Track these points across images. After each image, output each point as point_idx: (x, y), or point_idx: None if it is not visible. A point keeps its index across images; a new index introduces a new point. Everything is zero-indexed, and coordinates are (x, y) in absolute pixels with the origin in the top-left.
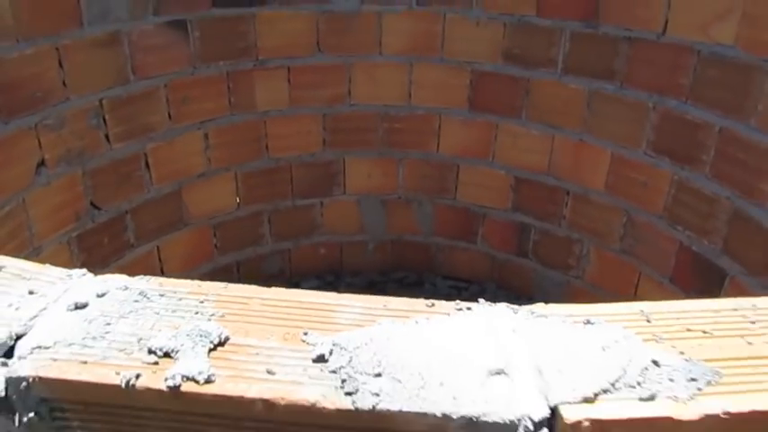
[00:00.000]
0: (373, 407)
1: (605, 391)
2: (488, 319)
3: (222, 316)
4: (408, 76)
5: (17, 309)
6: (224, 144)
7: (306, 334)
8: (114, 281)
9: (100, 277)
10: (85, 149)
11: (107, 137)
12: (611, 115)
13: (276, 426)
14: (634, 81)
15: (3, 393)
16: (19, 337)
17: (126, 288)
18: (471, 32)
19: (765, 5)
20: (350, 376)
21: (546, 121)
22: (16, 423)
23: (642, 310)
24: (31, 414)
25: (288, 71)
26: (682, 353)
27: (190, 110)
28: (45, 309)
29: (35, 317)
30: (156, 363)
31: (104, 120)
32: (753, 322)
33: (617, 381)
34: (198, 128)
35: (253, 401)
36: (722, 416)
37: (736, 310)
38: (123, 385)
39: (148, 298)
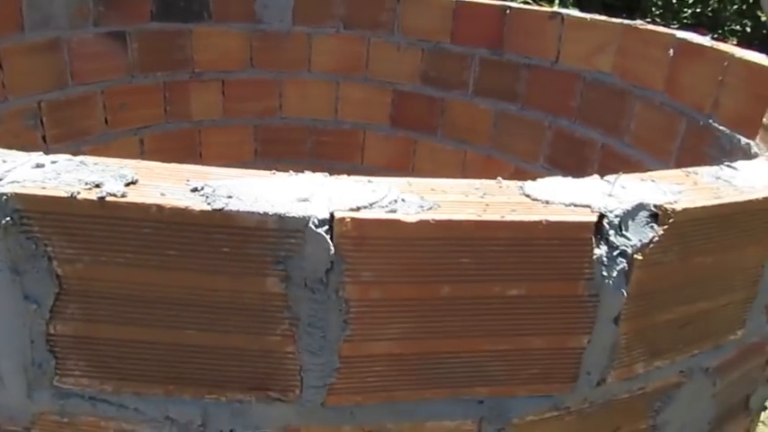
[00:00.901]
0: (222, 208)
1: (364, 207)
2: (310, 178)
3: (136, 172)
4: (335, 92)
5: None
6: (159, 150)
7: (188, 181)
8: (62, 156)
9: (51, 155)
10: (22, 149)
11: (44, 138)
12: (514, 133)
13: (163, 225)
14: (533, 102)
15: None
16: None
17: (70, 159)
18: (393, 55)
19: (634, 40)
20: (211, 195)
21: (459, 138)
22: None
23: (409, 182)
24: (7, 219)
25: (222, 84)
26: (422, 197)
27: (126, 116)
28: (14, 168)
29: (8, 171)
30: (90, 188)
31: (42, 121)
32: (482, 193)
33: (373, 203)
34: (134, 134)
35: (149, 206)
36: (431, 221)
37: (477, 188)
38: (68, 196)
39: (86, 164)
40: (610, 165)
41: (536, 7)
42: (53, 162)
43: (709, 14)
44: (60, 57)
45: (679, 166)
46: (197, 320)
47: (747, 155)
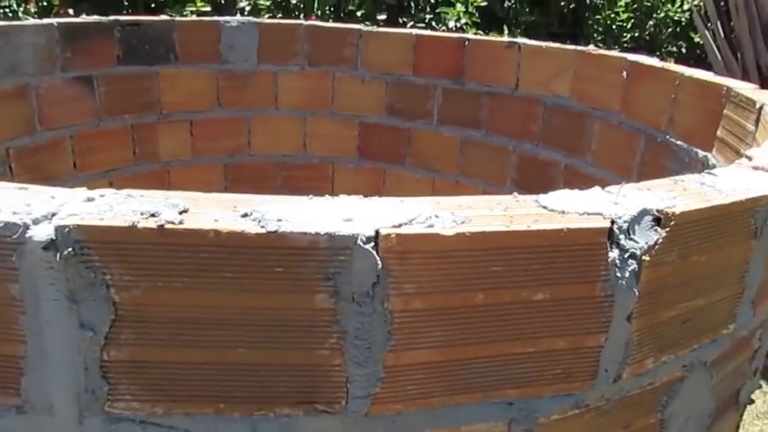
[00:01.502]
0: (276, 230)
1: (405, 224)
2: (347, 200)
3: (186, 202)
4: (303, 128)
5: (47, 202)
6: None
7: (236, 207)
8: (107, 190)
9: (97, 189)
10: None
11: None
12: (480, 158)
13: (220, 248)
14: (496, 128)
15: (53, 237)
16: (54, 214)
17: (117, 193)
18: (358, 90)
19: (590, 66)
20: (262, 219)
21: (426, 166)
22: (58, 258)
23: (438, 201)
24: (69, 249)
25: (190, 124)
26: (453, 213)
27: (95, 159)
28: (66, 202)
29: (61, 205)
30: (147, 218)
31: (10, 168)
32: (503, 207)
33: (412, 220)
34: (103, 176)
35: (207, 231)
36: (466, 233)
37: (499, 203)
38: (129, 225)
39: (133, 197)
40: (575, 183)
41: (493, 38)
42: (101, 195)
43: (647, 38)
44: (28, 103)
45: (641, 180)
46: (249, 339)
47: (706, 166)
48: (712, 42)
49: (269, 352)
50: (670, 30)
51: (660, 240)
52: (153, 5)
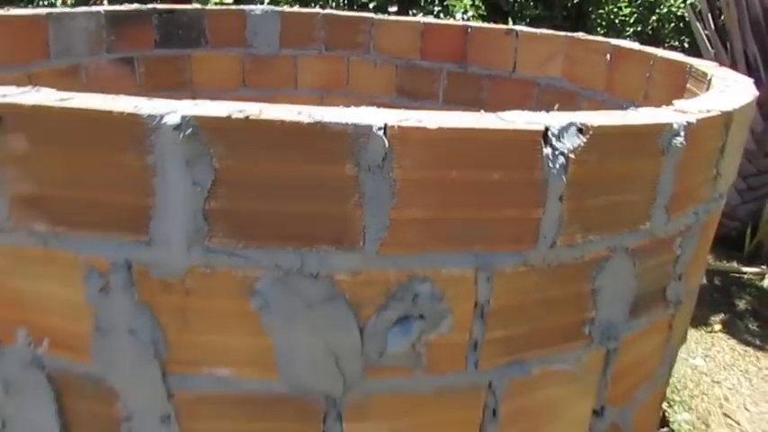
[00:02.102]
0: (320, 120)
1: (404, 120)
2: (367, 108)
3: (260, 108)
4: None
5: (169, 104)
6: None
7: (294, 110)
8: (204, 101)
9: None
10: None
11: None
12: None
13: (284, 132)
14: (496, 108)
15: (179, 122)
16: (177, 110)
17: (214, 101)
18: (370, 72)
19: (577, 49)
20: (311, 115)
21: None
22: (181, 137)
23: (426, 113)
24: (189, 130)
25: None
26: (437, 118)
27: None
28: (178, 107)
29: (179, 106)
30: (238, 112)
31: None
32: (474, 118)
33: (409, 119)
34: None
35: (276, 120)
36: (445, 127)
37: (468, 116)
38: (225, 116)
39: (226, 102)
40: None
41: (493, 25)
42: (203, 102)
43: (650, 32)
44: (79, 80)
45: None
46: (301, 194)
47: None
48: (704, 34)
49: (314, 204)
50: (673, 24)
51: (582, 144)
52: None
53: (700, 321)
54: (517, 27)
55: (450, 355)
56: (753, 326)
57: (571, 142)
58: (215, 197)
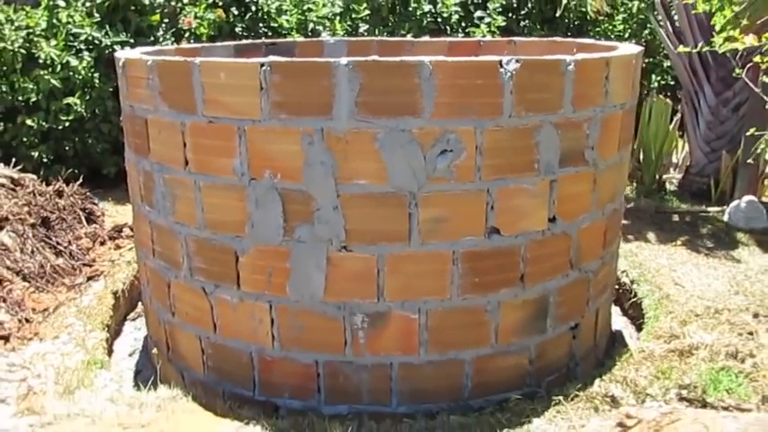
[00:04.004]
0: (401, 60)
1: None
2: None
3: None
4: None
5: None
6: None
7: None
8: None
9: None
10: None
11: None
12: None
13: (387, 67)
14: None
15: (346, 63)
16: None
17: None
18: None
19: (557, 48)
20: (398, 60)
21: None
22: None
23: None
24: (351, 66)
25: None
26: None
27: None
28: None
29: None
30: None
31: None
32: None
33: None
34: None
35: (383, 61)
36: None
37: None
38: (368, 60)
39: None
40: None
41: (498, 38)
42: (353, 58)
43: (644, 45)
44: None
45: None
46: (399, 90)
47: None
48: (665, 36)
49: (404, 96)
50: None
51: (518, 68)
52: (270, 34)
53: (668, 240)
54: (515, 38)
55: (467, 172)
56: (709, 242)
57: (513, 66)
58: (359, 95)
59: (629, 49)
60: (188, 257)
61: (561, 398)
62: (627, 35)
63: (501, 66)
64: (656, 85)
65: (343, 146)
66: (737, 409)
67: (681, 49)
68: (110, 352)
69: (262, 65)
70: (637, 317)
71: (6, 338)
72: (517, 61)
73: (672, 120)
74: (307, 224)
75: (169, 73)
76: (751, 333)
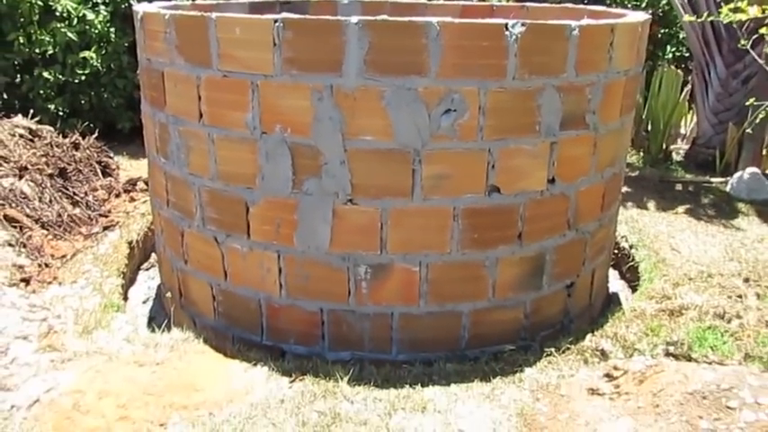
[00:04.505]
0: (411, 21)
1: None
2: None
3: None
4: None
5: None
6: None
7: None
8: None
9: None
10: None
11: None
12: None
13: (397, 27)
14: None
15: (356, 21)
16: None
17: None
18: None
19: (569, 13)
20: (408, 21)
21: None
22: None
23: None
24: (361, 24)
25: None
26: None
27: None
28: None
29: None
30: None
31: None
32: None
33: None
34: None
35: (393, 20)
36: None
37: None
38: (377, 19)
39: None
40: None
41: (512, 3)
42: (364, 17)
43: (660, 14)
44: None
45: None
46: (405, 49)
47: None
48: (679, 6)
49: (411, 56)
50: None
51: (523, 31)
52: None
53: (669, 208)
54: (528, 3)
55: (469, 132)
56: (710, 211)
57: (518, 30)
58: (368, 54)
59: (636, 16)
60: (201, 207)
61: (553, 350)
62: (644, 4)
63: (506, 29)
64: (669, 56)
65: (351, 102)
66: (719, 365)
67: (687, 17)
68: (125, 299)
69: (275, 21)
70: (633, 280)
71: (27, 281)
72: (522, 24)
73: (682, 91)
74: (314, 178)
75: (186, 27)
76: (740, 296)
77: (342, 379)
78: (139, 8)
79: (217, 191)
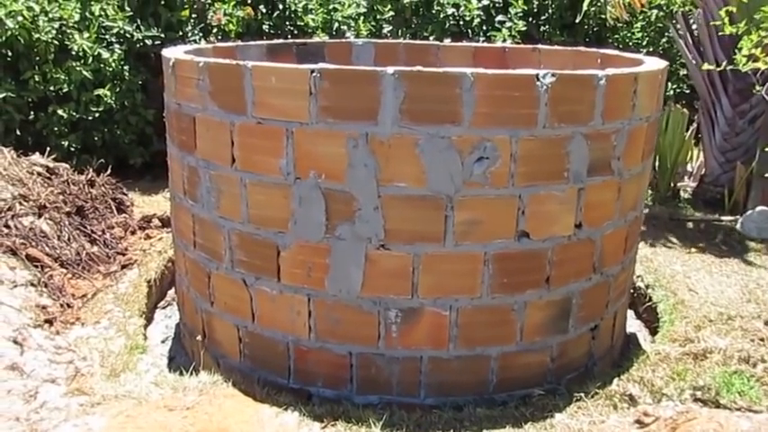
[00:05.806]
0: (444, 71)
1: None
2: None
3: None
4: None
5: None
6: None
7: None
8: None
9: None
10: None
11: None
12: None
13: (429, 78)
14: None
15: (392, 72)
16: None
17: None
18: None
19: (581, 58)
20: (443, 72)
21: None
22: None
23: None
24: (396, 75)
25: None
26: None
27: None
28: None
29: None
30: None
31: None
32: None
33: None
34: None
35: (426, 71)
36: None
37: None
38: (413, 70)
39: None
40: None
41: (523, 45)
42: (400, 68)
43: (661, 53)
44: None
45: None
46: (437, 99)
47: None
48: (685, 47)
49: (443, 105)
50: None
51: (553, 81)
52: (296, 32)
53: (682, 247)
54: (540, 46)
55: (501, 178)
56: (722, 250)
57: (549, 80)
58: (404, 103)
59: (656, 64)
60: (230, 250)
61: (582, 395)
62: (645, 43)
63: (537, 79)
64: (671, 93)
65: (386, 150)
66: (749, 411)
67: (705, 66)
68: (144, 338)
69: (312, 71)
70: (651, 320)
71: (51, 322)
72: (553, 75)
73: (688, 129)
74: (348, 223)
75: (220, 75)
76: (762, 339)
77: (375, 425)
78: (170, 54)
79: (247, 234)
